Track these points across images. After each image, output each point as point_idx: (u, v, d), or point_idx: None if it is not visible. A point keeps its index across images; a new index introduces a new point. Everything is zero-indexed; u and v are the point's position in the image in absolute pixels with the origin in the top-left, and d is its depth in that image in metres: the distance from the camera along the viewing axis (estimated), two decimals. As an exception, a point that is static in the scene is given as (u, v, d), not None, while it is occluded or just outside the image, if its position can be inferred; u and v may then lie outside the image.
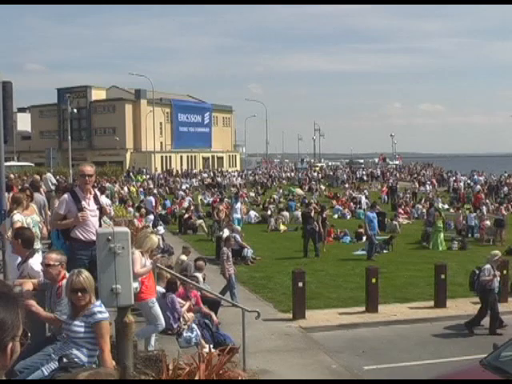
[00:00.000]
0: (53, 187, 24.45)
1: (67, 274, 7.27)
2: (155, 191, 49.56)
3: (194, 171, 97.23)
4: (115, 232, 7.45)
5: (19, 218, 11.86)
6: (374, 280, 18.36)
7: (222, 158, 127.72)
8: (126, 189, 50.08)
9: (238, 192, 50.22)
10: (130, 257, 7.79)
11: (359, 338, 16.36)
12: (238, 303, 14.91)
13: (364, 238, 30.96)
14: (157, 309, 11.33)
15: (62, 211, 10.13)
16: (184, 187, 61.91)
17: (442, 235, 31.46)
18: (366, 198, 51.46)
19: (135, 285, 10.61)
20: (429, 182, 72.27)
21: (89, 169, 10.30)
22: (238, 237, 26.89)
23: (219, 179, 79.18)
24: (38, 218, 12.42)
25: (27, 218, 11.95)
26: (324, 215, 31.23)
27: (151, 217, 32.11)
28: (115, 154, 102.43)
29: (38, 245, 11.59)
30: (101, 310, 6.58)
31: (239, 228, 30.04)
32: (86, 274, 6.74)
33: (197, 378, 8.44)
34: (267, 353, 14.42)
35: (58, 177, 41.82)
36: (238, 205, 36.23)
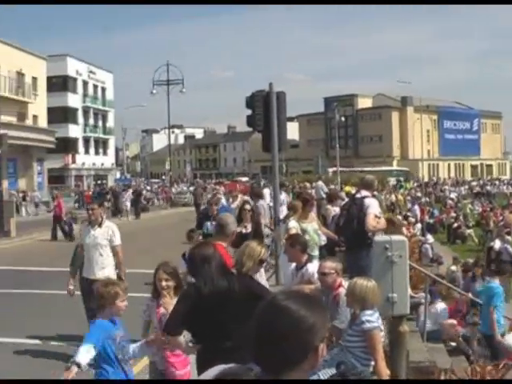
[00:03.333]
0: (324, 195, 24.88)
1: (344, 282, 7.33)
2: (423, 200, 49.00)
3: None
4: (393, 240, 7.40)
5: (294, 224, 12.16)
6: None
7: (491, 165, 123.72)
8: (393, 197, 49.90)
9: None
10: (407, 266, 7.70)
11: None
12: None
13: None
14: None
15: (378, 213, 10.40)
16: (452, 196, 60.59)
17: None
18: None
19: None
20: None
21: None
22: (509, 248, 25.80)
23: (489, 188, 76.70)
24: (317, 225, 12.54)
25: (307, 225, 12.19)
26: None
27: (419, 225, 31.81)
28: (381, 162, 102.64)
29: (315, 252, 11.81)
30: (370, 319, 6.50)
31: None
32: None
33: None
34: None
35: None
36: None
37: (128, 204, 43.48)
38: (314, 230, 12.28)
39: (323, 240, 13.04)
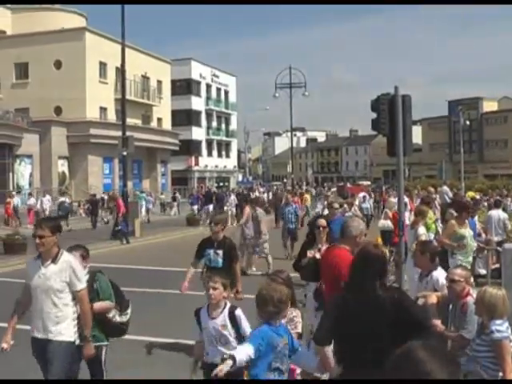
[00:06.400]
0: (449, 201, 24.40)
1: (472, 291, 7.15)
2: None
3: None
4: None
5: (424, 231, 12.06)
6: None
7: None
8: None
9: None
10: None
11: None
12: None
13: None
14: None
15: None
16: None
17: None
18: None
19: None
20: None
21: None
22: None
23: None
24: (470, 232, 12.31)
25: (465, 231, 11.90)
26: None
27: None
28: (507, 167, 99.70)
29: (469, 258, 11.63)
30: (499, 329, 6.29)
31: None
32: None
33: None
34: None
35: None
36: None
37: (233, 209, 42.78)
38: (471, 236, 12.10)
39: (474, 246, 12.77)
